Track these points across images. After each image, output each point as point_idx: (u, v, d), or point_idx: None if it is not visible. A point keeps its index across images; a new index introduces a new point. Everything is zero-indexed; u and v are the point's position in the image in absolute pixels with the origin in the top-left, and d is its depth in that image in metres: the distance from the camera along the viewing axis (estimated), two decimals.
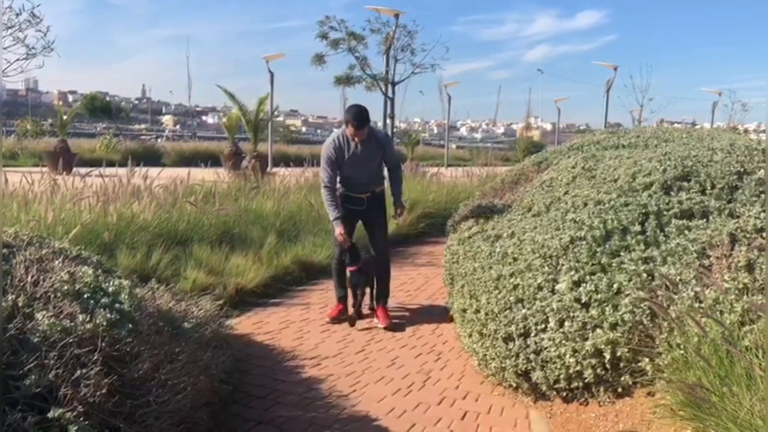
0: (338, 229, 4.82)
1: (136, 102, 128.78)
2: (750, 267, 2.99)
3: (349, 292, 5.10)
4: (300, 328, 4.92)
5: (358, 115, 4.69)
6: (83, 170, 7.52)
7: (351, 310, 5.09)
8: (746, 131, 22.75)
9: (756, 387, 2.13)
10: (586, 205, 3.97)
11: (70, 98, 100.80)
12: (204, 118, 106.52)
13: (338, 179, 4.95)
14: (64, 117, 18.72)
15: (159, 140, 34.66)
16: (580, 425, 3.18)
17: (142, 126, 75.00)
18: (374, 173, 5.06)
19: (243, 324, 4.91)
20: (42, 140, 23.04)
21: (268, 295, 5.80)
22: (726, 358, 2.45)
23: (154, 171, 7.90)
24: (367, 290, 5.26)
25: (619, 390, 3.12)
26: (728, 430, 2.11)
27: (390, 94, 18.45)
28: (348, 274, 4.97)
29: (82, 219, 5.42)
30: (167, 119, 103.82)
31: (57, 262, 2.82)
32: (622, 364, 3.05)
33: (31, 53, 7.98)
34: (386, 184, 5.35)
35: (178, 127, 79.28)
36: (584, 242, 3.54)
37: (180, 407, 2.53)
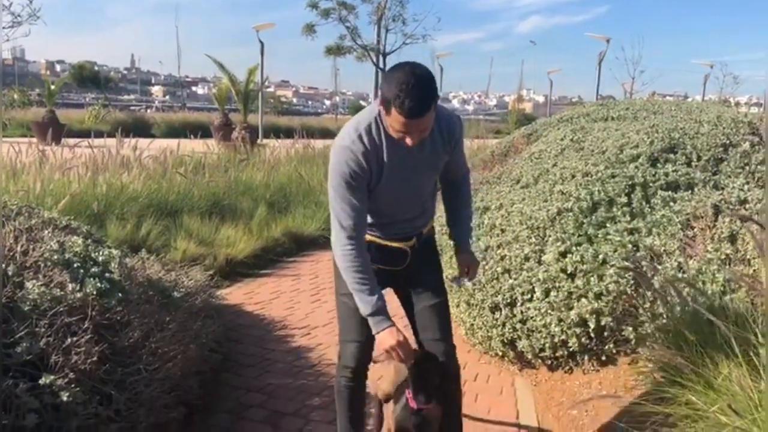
0: (390, 338, 2.17)
1: (125, 72, 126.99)
2: (732, 238, 3.04)
3: None
4: (290, 299, 4.96)
5: (418, 90, 1.86)
6: (72, 141, 7.48)
7: None
8: (737, 104, 22.79)
9: (734, 354, 2.19)
10: (573, 176, 4.00)
11: (58, 68, 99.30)
12: (194, 88, 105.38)
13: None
14: (52, 87, 18.54)
15: (148, 111, 34.39)
16: (565, 392, 3.25)
17: (132, 96, 74.18)
18: (428, 198, 2.37)
19: (233, 294, 4.95)
20: (30, 110, 22.77)
21: (259, 266, 5.83)
22: (707, 327, 2.50)
23: (143, 142, 7.86)
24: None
25: (603, 358, 3.18)
26: (706, 395, 2.17)
27: (381, 65, 18.37)
28: (407, 417, 2.26)
29: (71, 189, 5.39)
30: (157, 90, 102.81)
31: (46, 231, 2.83)
32: (606, 333, 3.11)
33: (16, 21, 7.85)
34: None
35: (167, 97, 78.60)
36: (571, 213, 3.57)
37: (170, 375, 2.57)
